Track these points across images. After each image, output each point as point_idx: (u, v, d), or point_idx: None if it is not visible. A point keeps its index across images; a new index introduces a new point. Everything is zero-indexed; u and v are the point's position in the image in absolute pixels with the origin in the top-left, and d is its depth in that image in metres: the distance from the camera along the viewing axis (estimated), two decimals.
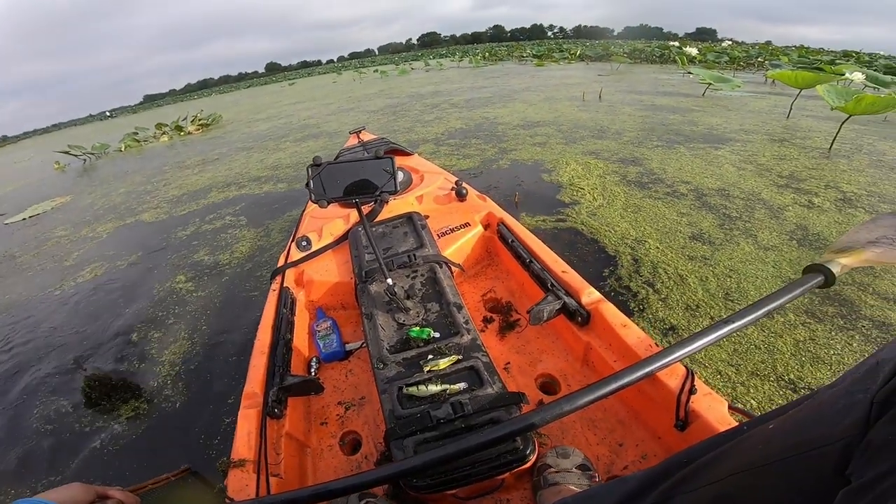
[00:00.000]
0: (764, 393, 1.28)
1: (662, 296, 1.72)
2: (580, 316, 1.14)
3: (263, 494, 0.84)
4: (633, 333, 1.03)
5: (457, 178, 1.82)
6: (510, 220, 1.58)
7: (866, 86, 5.70)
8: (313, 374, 1.30)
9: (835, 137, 3.34)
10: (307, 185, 1.27)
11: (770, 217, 2.23)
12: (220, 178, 4.46)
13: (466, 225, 1.61)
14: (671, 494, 0.51)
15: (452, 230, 1.59)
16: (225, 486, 0.85)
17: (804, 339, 1.45)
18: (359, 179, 1.31)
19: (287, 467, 0.96)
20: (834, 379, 1.27)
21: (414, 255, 1.40)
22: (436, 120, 5.66)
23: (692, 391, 0.85)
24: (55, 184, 6.40)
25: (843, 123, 3.33)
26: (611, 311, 1.11)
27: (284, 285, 1.44)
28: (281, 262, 1.56)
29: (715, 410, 0.83)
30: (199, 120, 9.98)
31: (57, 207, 4.75)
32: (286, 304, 1.36)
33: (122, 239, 3.26)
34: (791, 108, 4.66)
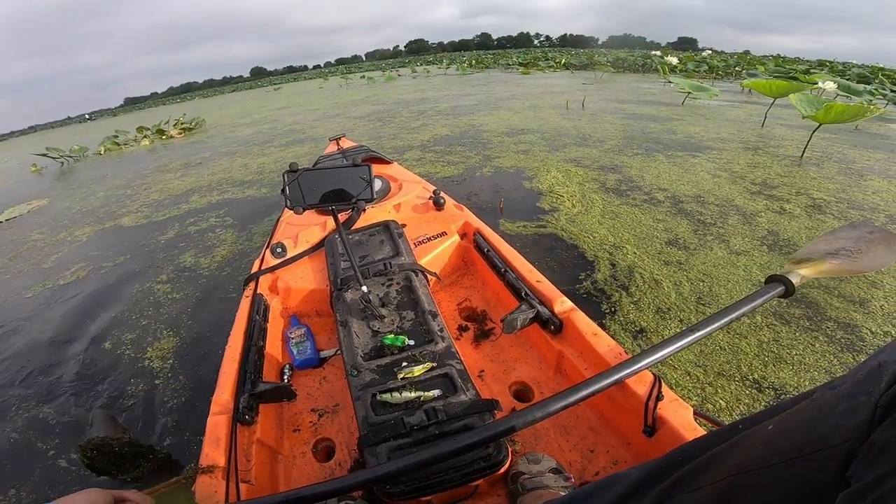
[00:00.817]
0: (731, 393, 1.32)
1: (635, 299, 1.75)
2: (553, 325, 1.16)
3: (234, 501, 0.83)
4: (603, 342, 1.05)
5: (435, 188, 1.83)
6: (486, 229, 1.60)
7: (839, 95, 5.89)
8: (286, 380, 1.29)
9: (806, 146, 3.44)
10: (283, 191, 1.27)
11: (743, 223, 2.29)
12: (203, 183, 4.41)
13: (443, 234, 1.62)
14: (671, 494, 0.50)
15: (429, 239, 1.60)
16: (193, 493, 0.84)
17: (768, 341, 1.49)
18: (336, 188, 1.31)
19: (258, 474, 0.95)
20: (798, 377, 1.33)
21: (390, 264, 1.41)
22: (422, 127, 5.69)
23: (659, 397, 0.87)
24: (32, 187, 6.26)
25: (813, 132, 3.44)
26: (583, 320, 1.13)
27: (258, 292, 1.43)
28: (255, 269, 1.55)
29: (681, 416, 0.85)
30: (182, 124, 9.84)
31: (34, 211, 4.66)
32: (259, 310, 1.35)
33: (101, 243, 3.21)
34: (765, 117, 4.80)
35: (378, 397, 0.98)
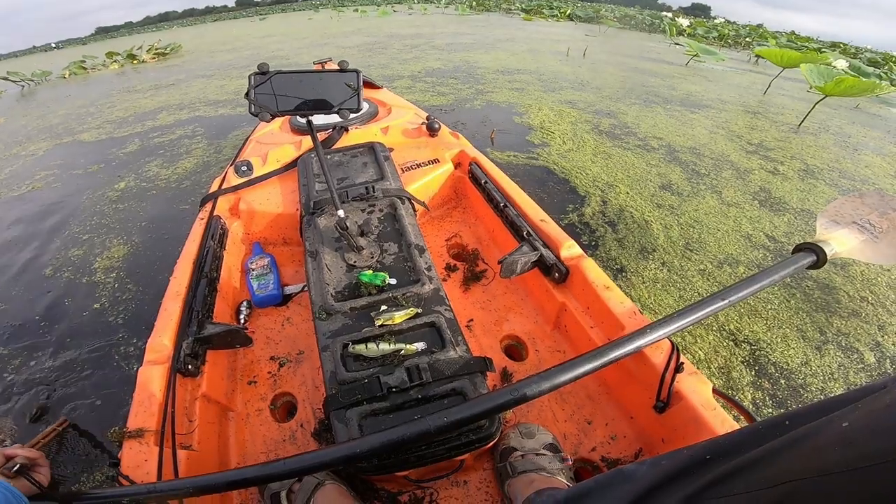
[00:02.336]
0: (709, 343, 1.28)
1: (620, 236, 1.69)
2: (558, 272, 0.99)
3: (168, 475, 0.65)
4: (615, 298, 0.89)
5: (428, 114, 1.61)
6: (485, 160, 1.39)
7: (847, 73, 5.79)
8: (242, 321, 1.09)
9: (806, 115, 3.36)
10: (247, 94, 1.02)
11: (736, 178, 2.25)
12: (174, 102, 4.08)
13: (435, 161, 1.41)
14: (700, 497, 0.43)
15: (419, 165, 1.39)
16: (118, 461, 0.67)
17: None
18: (315, 96, 1.05)
19: (202, 437, 0.77)
20: (771, 332, 1.30)
21: (373, 188, 1.19)
22: (414, 59, 5.33)
23: (678, 369, 0.73)
24: None
25: (816, 103, 3.35)
26: (593, 270, 0.95)
27: (215, 214, 1.19)
28: (213, 188, 1.30)
29: (699, 394, 0.72)
30: (156, 49, 9.05)
31: None
32: (214, 235, 1.12)
33: (58, 157, 2.99)
34: (769, 86, 4.68)
35: (350, 348, 0.79)
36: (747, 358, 1.24)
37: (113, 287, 1.53)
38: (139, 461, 0.66)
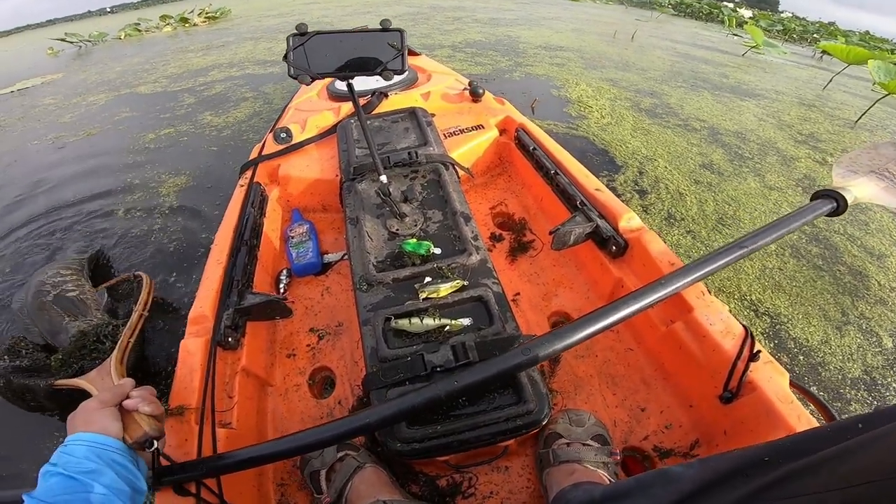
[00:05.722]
0: (730, 310, 1.28)
1: (647, 203, 1.69)
2: (615, 244, 0.89)
3: (208, 452, 0.62)
4: None
5: (471, 80, 1.53)
6: (533, 126, 1.29)
7: None
8: (282, 290, 1.04)
9: (865, 112, 3.18)
10: (285, 57, 0.97)
11: (781, 164, 2.16)
12: (224, 61, 4.19)
13: (479, 127, 1.32)
14: (755, 498, 0.39)
15: (462, 131, 1.31)
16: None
17: (772, 267, 1.44)
18: (356, 56, 0.98)
19: (241, 414, 0.74)
20: (792, 308, 1.27)
21: (415, 153, 1.11)
22: (456, 31, 5.23)
23: (753, 357, 0.65)
24: (47, 66, 5.89)
25: (878, 101, 3.16)
26: (655, 244, 0.84)
27: (255, 181, 1.15)
28: (253, 155, 1.26)
29: (774, 384, 0.64)
30: (207, 13, 9.18)
31: (47, 83, 4.38)
32: (254, 202, 1.08)
33: (116, 107, 3.15)
34: (830, 81, 4.41)
35: (392, 323, 0.73)
36: (767, 330, 1.23)
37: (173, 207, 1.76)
38: (180, 440, 0.63)
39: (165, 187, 1.89)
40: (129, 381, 0.55)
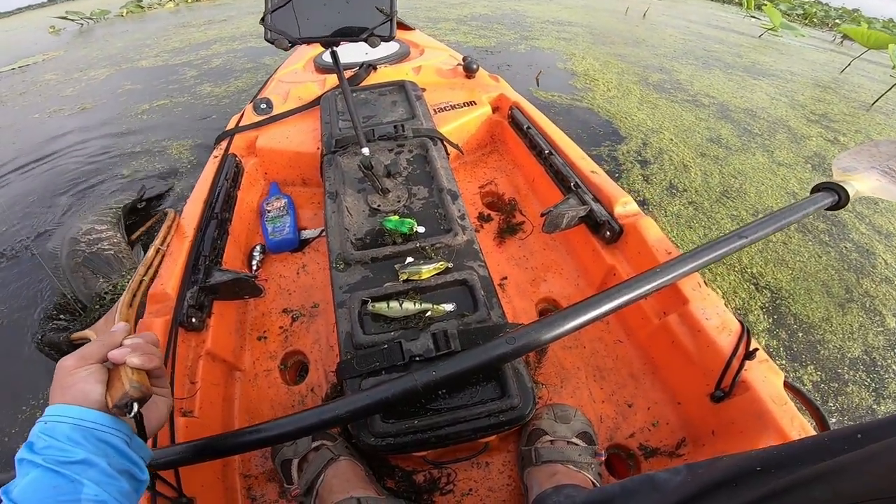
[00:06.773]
0: (729, 283, 1.24)
1: (649, 173, 1.68)
2: (609, 230, 0.85)
3: (165, 443, 0.57)
4: None
5: (465, 56, 1.47)
6: (527, 104, 1.24)
7: None
8: (255, 267, 0.98)
9: (882, 95, 3.09)
10: (262, 20, 0.88)
11: (791, 141, 2.13)
12: (226, 35, 4.21)
13: (471, 103, 1.27)
14: None
15: (453, 107, 1.25)
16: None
17: (776, 241, 1.42)
18: (342, 21, 0.91)
19: (204, 401, 0.68)
20: (794, 283, 1.24)
21: (402, 126, 1.05)
22: (461, 4, 5.13)
23: (749, 355, 0.62)
24: (48, 44, 5.81)
25: (895, 85, 3.09)
26: (652, 231, 0.80)
27: (230, 152, 1.08)
28: (230, 126, 1.19)
29: (769, 384, 0.61)
30: None
31: (48, 60, 4.34)
32: (228, 174, 1.01)
33: (117, 81, 3.19)
34: (848, 65, 4.29)
35: (369, 306, 0.67)
36: (767, 305, 1.20)
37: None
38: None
39: (174, 148, 2.05)
40: (123, 326, 0.43)
